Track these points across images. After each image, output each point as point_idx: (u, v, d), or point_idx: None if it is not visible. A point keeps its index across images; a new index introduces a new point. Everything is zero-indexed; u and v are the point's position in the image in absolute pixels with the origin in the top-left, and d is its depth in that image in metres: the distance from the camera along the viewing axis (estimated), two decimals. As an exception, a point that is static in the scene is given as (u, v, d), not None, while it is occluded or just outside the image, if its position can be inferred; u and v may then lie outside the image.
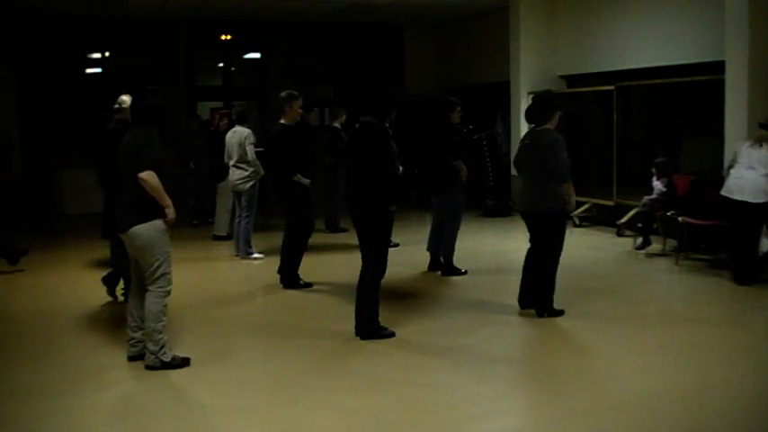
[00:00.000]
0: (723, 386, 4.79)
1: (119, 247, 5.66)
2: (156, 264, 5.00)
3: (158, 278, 5.03)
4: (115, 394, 4.79)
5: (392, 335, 5.74)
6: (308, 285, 7.42)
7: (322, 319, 6.43)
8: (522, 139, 6.41)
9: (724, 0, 8.28)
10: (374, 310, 5.73)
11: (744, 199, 7.11)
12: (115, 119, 6.68)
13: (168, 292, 5.12)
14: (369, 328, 5.72)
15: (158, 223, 4.98)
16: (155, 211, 4.95)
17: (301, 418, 4.34)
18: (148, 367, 5.07)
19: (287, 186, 7.36)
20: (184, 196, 12.13)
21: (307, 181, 7.43)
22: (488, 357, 5.38)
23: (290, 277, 7.43)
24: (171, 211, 5.00)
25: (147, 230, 4.95)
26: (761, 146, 7.12)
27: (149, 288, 5.06)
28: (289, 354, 5.49)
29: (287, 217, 7.52)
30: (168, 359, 5.09)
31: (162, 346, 5.08)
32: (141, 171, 4.85)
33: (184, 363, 5.16)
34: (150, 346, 5.05)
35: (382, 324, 5.79)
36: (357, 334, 5.73)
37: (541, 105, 6.27)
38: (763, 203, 7.08)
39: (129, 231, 4.99)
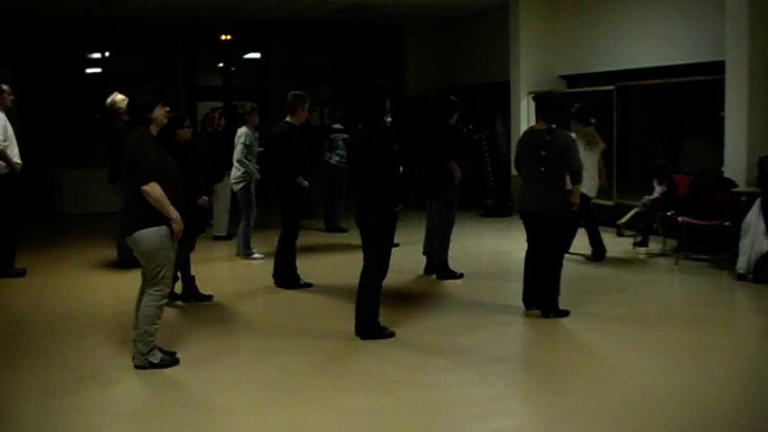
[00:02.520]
0: (723, 386, 4.80)
1: None
2: (158, 268, 4.98)
3: (157, 282, 5.01)
4: (115, 394, 4.79)
5: (392, 335, 5.74)
6: (308, 285, 7.43)
7: (322, 319, 6.43)
8: (534, 136, 6.24)
9: (724, 0, 8.28)
10: (375, 310, 5.73)
11: (591, 195, 8.46)
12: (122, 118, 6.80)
13: (165, 296, 5.11)
14: (369, 328, 5.71)
15: (163, 228, 4.92)
16: (160, 216, 4.89)
17: (301, 418, 4.34)
18: (137, 367, 5.07)
19: (286, 187, 7.34)
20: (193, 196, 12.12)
21: (306, 183, 7.42)
22: (488, 357, 5.38)
23: (289, 277, 7.43)
24: (177, 226, 4.93)
25: (152, 235, 4.90)
26: (589, 147, 8.27)
27: (147, 290, 5.05)
28: (289, 354, 5.49)
29: (283, 218, 7.50)
30: (157, 360, 5.08)
31: (152, 348, 5.07)
32: (143, 184, 4.81)
33: (173, 362, 5.16)
34: (141, 347, 5.05)
35: (382, 324, 5.79)
36: (357, 334, 5.73)
37: (551, 105, 6.27)
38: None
39: (133, 235, 4.96)
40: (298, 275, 7.47)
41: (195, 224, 6.35)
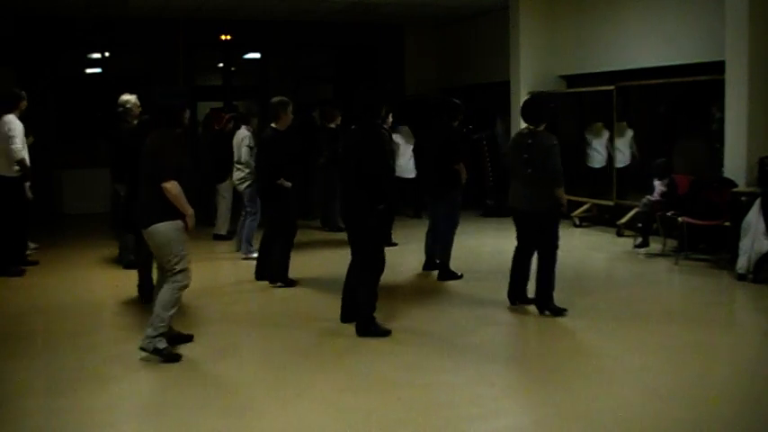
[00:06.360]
0: (723, 386, 4.80)
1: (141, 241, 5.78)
2: (174, 260, 5.16)
3: (177, 273, 5.18)
4: (115, 393, 4.79)
5: (388, 332, 5.76)
6: (293, 284, 7.49)
7: (322, 318, 6.43)
8: (519, 138, 6.38)
9: (724, 0, 8.28)
10: (371, 305, 5.77)
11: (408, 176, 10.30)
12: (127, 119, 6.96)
13: (185, 286, 5.26)
14: (365, 325, 5.75)
15: (178, 222, 5.12)
16: (175, 210, 5.09)
17: (301, 418, 4.35)
18: (142, 349, 5.19)
19: (273, 191, 7.41)
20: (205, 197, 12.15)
21: (288, 184, 7.46)
22: (488, 357, 5.39)
23: (280, 272, 7.49)
24: (191, 221, 5.16)
25: (167, 229, 5.11)
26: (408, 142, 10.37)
27: (169, 279, 5.21)
28: (288, 353, 5.50)
29: (274, 220, 7.56)
30: (162, 347, 5.17)
31: (160, 335, 5.17)
32: (164, 181, 5.01)
33: (173, 359, 5.22)
34: (150, 330, 5.17)
35: (382, 324, 5.80)
36: (357, 333, 5.75)
37: (538, 107, 6.32)
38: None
39: (149, 228, 5.14)
40: (287, 277, 7.53)
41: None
